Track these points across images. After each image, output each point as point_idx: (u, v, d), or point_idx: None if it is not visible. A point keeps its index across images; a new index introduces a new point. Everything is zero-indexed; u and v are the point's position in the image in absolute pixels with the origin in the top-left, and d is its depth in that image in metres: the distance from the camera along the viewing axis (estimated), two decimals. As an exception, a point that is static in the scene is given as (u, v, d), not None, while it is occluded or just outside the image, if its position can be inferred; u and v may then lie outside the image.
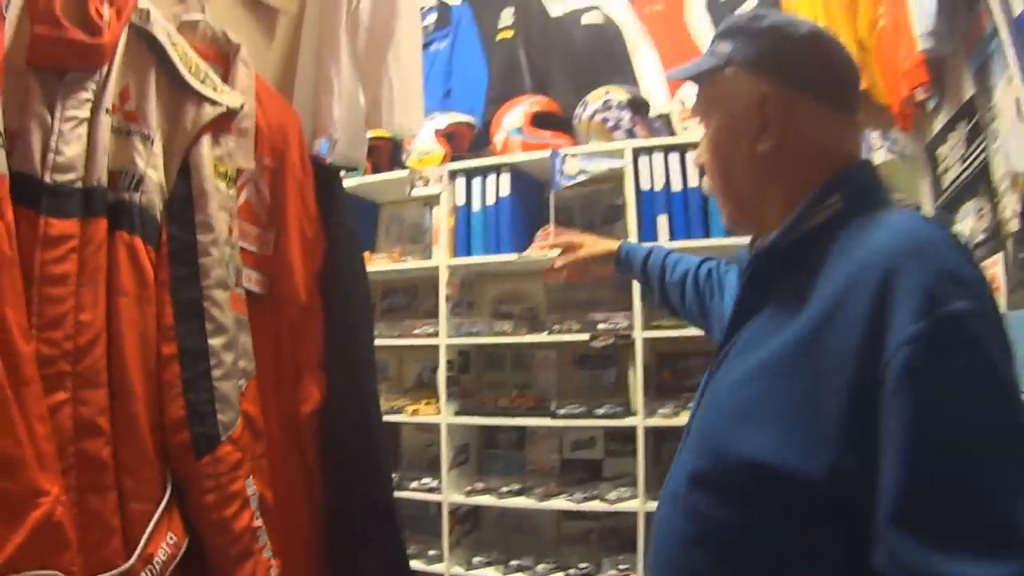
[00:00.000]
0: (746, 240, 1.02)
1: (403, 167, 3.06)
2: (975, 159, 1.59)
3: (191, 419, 1.03)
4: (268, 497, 1.13)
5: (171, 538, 0.98)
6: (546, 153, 2.68)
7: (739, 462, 0.79)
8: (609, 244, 1.71)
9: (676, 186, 2.64)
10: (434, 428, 2.89)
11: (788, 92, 0.88)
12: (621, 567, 2.58)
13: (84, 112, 0.99)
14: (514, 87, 3.10)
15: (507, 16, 3.22)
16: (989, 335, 0.70)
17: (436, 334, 2.89)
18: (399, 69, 1.63)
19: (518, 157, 2.88)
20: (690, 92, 2.25)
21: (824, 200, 0.86)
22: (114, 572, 0.92)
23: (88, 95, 1.00)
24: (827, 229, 0.84)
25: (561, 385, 3.05)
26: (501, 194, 2.88)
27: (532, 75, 3.15)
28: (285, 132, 1.34)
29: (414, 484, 2.88)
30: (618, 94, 2.79)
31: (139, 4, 1.10)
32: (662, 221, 2.64)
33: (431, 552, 2.83)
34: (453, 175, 2.96)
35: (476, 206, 2.92)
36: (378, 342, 1.58)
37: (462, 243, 2.93)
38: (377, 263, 3.03)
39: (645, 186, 2.67)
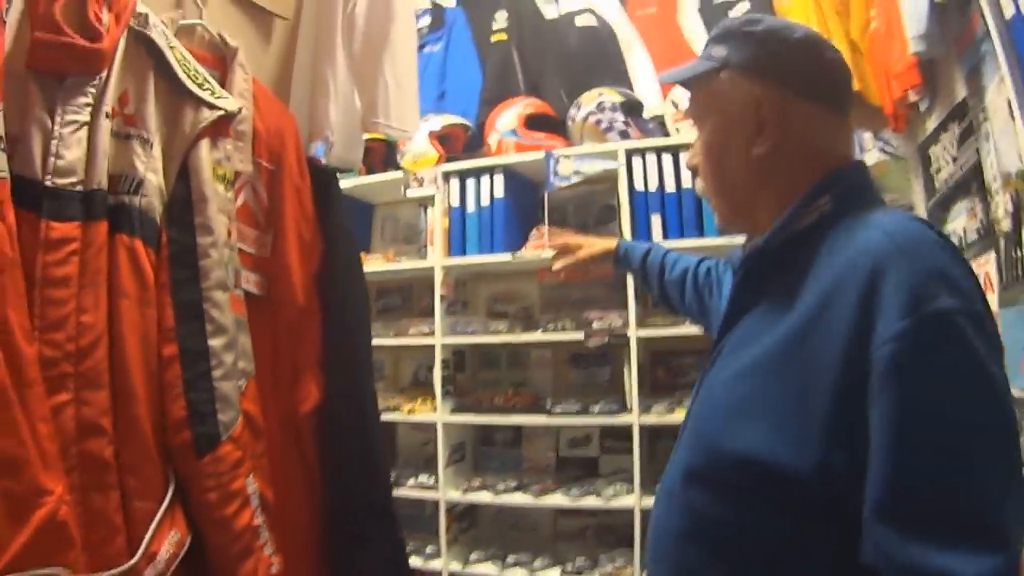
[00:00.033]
0: (740, 239, 1.03)
1: (397, 168, 3.07)
2: (967, 159, 1.61)
3: (192, 419, 1.04)
4: (268, 495, 1.14)
5: (174, 536, 0.99)
6: (540, 154, 2.70)
7: (732, 458, 0.80)
8: (607, 243, 1.72)
9: (670, 187, 2.66)
10: (430, 427, 2.90)
11: (783, 95, 0.89)
12: (617, 563, 2.60)
13: (84, 116, 1.00)
14: (508, 89, 3.11)
15: (501, 18, 3.23)
16: (976, 333, 0.70)
17: (432, 333, 2.90)
18: (394, 72, 1.64)
19: (512, 158, 2.89)
20: (683, 94, 2.27)
21: (814, 201, 0.87)
22: (118, 570, 0.93)
23: (88, 99, 1.01)
24: (817, 229, 0.85)
25: (556, 383, 3.07)
26: (495, 195, 2.89)
27: (526, 77, 3.16)
28: (282, 135, 1.35)
29: (411, 482, 2.89)
30: (611, 96, 2.80)
31: (137, 9, 1.11)
32: (656, 221, 2.66)
33: (428, 549, 2.85)
34: (447, 176, 2.97)
35: (470, 207, 2.93)
36: (374, 342, 1.58)
37: (456, 243, 2.94)
38: (372, 264, 3.04)
39: (639, 187, 2.68)
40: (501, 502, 2.78)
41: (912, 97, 1.81)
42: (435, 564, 2.80)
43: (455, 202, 2.96)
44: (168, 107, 1.14)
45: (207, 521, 1.05)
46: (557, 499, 2.70)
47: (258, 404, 1.19)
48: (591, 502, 2.63)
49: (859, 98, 2.04)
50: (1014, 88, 1.30)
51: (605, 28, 3.07)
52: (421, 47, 3.18)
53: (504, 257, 2.82)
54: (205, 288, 1.09)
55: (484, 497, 2.80)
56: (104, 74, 1.04)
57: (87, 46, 1.00)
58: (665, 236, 2.63)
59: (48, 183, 0.96)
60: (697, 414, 0.92)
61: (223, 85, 1.24)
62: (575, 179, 2.60)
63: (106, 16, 1.04)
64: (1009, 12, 1.30)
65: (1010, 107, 1.32)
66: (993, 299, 1.46)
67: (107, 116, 1.03)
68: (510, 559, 2.75)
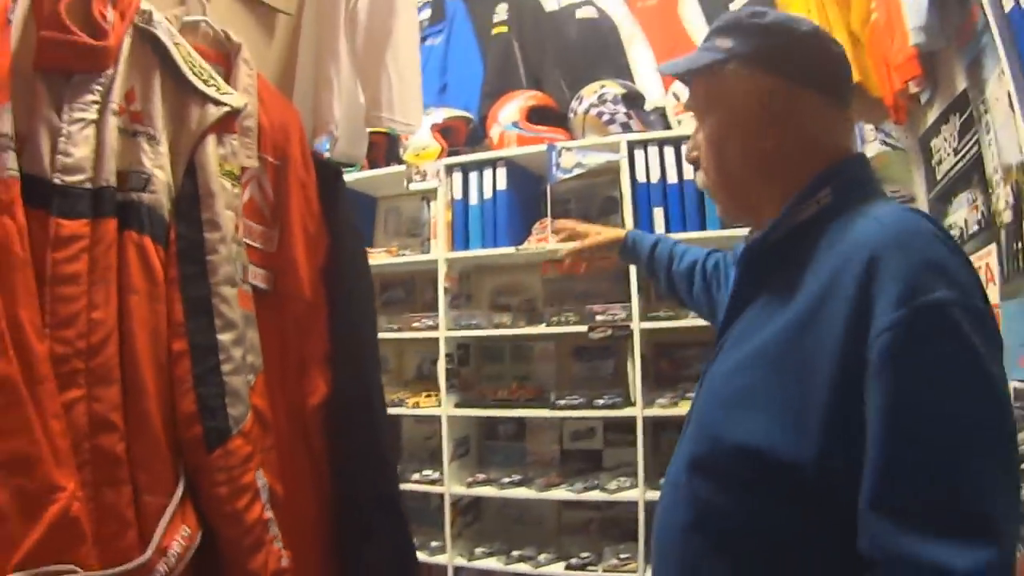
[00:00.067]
0: (742, 231, 1.03)
1: (400, 162, 3.08)
2: (968, 151, 1.61)
3: (202, 413, 1.04)
4: (278, 489, 1.15)
5: (185, 531, 1.00)
6: (542, 147, 2.71)
7: (733, 448, 0.81)
8: (615, 232, 1.72)
9: (672, 179, 2.66)
10: (435, 420, 2.91)
11: (790, 87, 0.90)
12: (622, 556, 2.61)
13: (91, 114, 1.00)
14: (509, 82, 3.11)
15: (502, 11, 3.23)
16: (972, 325, 0.70)
17: (435, 327, 2.91)
18: (397, 67, 1.64)
19: (514, 151, 2.89)
20: (684, 86, 2.26)
21: (815, 194, 0.88)
22: (131, 565, 0.93)
23: (94, 97, 1.01)
24: (817, 223, 0.86)
25: (560, 376, 3.08)
26: (498, 188, 2.90)
27: (527, 70, 3.16)
28: (287, 130, 1.35)
29: (416, 476, 2.90)
30: (613, 88, 2.80)
31: (141, 6, 1.11)
32: (658, 213, 2.67)
33: (433, 543, 2.86)
34: (450, 169, 2.97)
35: (473, 200, 2.94)
36: (378, 335, 1.59)
37: (460, 236, 2.95)
38: (376, 257, 3.04)
39: (641, 179, 2.69)
40: (505, 496, 2.80)
41: (913, 89, 1.81)
42: (440, 558, 2.81)
43: (458, 195, 2.96)
44: (174, 104, 1.14)
45: (218, 515, 1.05)
46: (561, 493, 2.71)
47: (267, 399, 1.19)
48: (595, 495, 2.65)
49: (860, 90, 2.04)
50: (1014, 81, 1.31)
51: (606, 20, 3.07)
52: (422, 40, 3.18)
53: (507, 250, 2.82)
54: (214, 283, 1.10)
55: (488, 491, 2.81)
56: (110, 71, 1.04)
57: (93, 44, 1.00)
58: (667, 228, 2.63)
59: (57, 181, 0.96)
60: (700, 406, 0.93)
61: (228, 81, 1.24)
62: (577, 171, 2.60)
63: (111, 14, 1.04)
64: (1008, 4, 1.30)
65: (1010, 99, 1.33)
66: (994, 291, 1.46)
67: (114, 113, 1.03)
68: (515, 553, 2.76)
